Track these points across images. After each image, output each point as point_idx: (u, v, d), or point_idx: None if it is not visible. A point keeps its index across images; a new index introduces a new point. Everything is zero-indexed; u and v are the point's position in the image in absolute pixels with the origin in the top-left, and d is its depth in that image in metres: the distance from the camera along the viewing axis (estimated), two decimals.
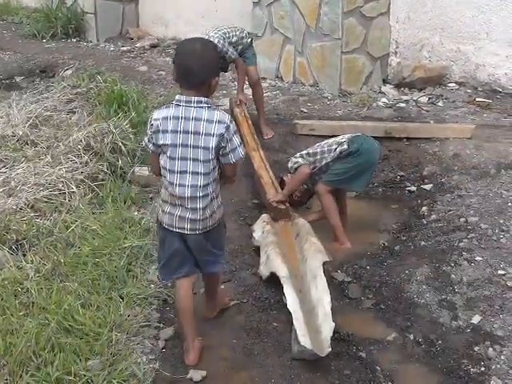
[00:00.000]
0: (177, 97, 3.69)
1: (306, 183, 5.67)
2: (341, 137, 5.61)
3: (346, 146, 5.40)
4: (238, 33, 6.98)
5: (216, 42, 6.62)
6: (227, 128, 3.65)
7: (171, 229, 3.82)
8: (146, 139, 3.81)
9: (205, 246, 3.89)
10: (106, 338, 3.86)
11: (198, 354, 4.01)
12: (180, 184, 3.70)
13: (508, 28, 7.77)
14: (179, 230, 3.81)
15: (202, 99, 3.64)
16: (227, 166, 3.81)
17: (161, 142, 3.68)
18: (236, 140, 3.72)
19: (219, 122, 3.63)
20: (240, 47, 7.01)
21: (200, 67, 3.62)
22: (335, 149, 5.44)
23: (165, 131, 3.66)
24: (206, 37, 6.59)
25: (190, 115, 3.63)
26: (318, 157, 5.51)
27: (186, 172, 3.69)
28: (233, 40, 6.89)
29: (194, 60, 3.62)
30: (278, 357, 4.02)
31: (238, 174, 4.05)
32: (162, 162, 3.76)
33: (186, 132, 3.63)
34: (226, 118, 3.67)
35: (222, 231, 4.04)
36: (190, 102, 3.64)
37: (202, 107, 3.64)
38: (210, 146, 3.63)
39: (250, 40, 7.18)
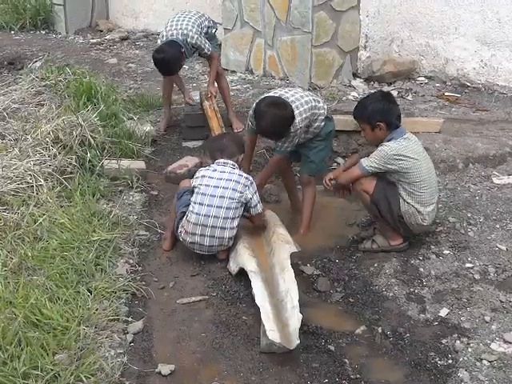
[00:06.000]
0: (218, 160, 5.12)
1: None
2: (319, 99, 5.48)
3: (326, 124, 5.42)
4: (206, 22, 6.93)
5: (195, 40, 6.61)
6: (251, 183, 5.01)
7: None
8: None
9: None
10: (73, 332, 3.83)
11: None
12: None
13: (476, 23, 7.82)
14: None
15: (235, 164, 5.10)
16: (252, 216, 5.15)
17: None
18: (255, 198, 5.02)
19: (246, 178, 5.01)
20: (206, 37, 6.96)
21: (230, 148, 5.18)
22: (321, 120, 5.37)
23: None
24: (185, 31, 6.59)
25: (225, 170, 5.03)
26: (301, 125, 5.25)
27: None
28: (203, 31, 6.82)
29: (227, 143, 5.24)
30: (247, 350, 4.04)
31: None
32: None
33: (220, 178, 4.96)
34: (251, 177, 5.08)
35: None
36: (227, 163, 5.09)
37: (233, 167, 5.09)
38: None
39: (214, 30, 7.15)
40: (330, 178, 5.14)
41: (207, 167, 5.14)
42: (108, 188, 5.77)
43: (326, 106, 5.46)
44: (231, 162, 5.09)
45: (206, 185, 4.95)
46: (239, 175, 5.00)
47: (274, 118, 4.99)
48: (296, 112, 5.11)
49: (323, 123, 5.36)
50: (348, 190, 5.18)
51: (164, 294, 4.61)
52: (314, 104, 5.30)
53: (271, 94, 5.43)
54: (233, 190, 4.91)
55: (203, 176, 5.02)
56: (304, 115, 5.19)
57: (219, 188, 4.91)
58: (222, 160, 5.11)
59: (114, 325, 4.12)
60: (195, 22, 6.76)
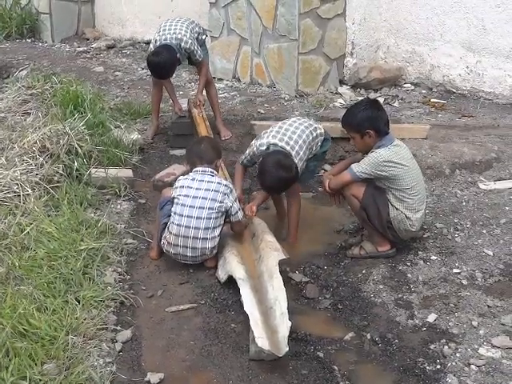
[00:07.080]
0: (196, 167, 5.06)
1: None
2: (317, 126, 5.51)
3: (323, 145, 5.52)
4: (197, 29, 6.94)
5: (189, 45, 6.63)
6: (231, 191, 4.96)
7: None
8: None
9: None
10: (62, 342, 3.82)
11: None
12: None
13: (461, 30, 7.88)
14: None
15: (213, 171, 5.06)
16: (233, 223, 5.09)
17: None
18: (236, 206, 4.96)
19: (225, 185, 4.96)
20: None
21: (209, 154, 5.13)
22: (320, 145, 5.46)
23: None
24: (179, 36, 6.59)
25: (203, 178, 4.96)
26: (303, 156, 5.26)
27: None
28: (194, 37, 6.82)
29: (205, 149, 5.15)
30: (236, 358, 4.03)
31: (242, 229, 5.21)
32: None
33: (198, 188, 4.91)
34: (230, 184, 5.08)
35: None
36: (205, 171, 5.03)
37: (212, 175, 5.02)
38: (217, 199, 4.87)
39: (204, 37, 7.16)
40: (328, 180, 5.12)
41: (186, 176, 5.08)
42: (95, 197, 5.75)
43: (323, 131, 5.49)
44: (210, 170, 5.05)
45: (185, 195, 4.91)
46: (218, 183, 4.96)
47: (280, 179, 5.00)
48: (297, 159, 5.12)
49: (320, 145, 5.45)
50: (342, 195, 5.17)
51: (152, 302, 4.59)
52: (312, 136, 5.33)
53: (271, 136, 5.23)
54: (212, 200, 4.87)
55: (182, 186, 4.97)
56: (304, 158, 5.24)
57: (198, 198, 4.87)
58: (200, 168, 5.06)
59: (103, 334, 4.10)
60: (188, 27, 6.77)
